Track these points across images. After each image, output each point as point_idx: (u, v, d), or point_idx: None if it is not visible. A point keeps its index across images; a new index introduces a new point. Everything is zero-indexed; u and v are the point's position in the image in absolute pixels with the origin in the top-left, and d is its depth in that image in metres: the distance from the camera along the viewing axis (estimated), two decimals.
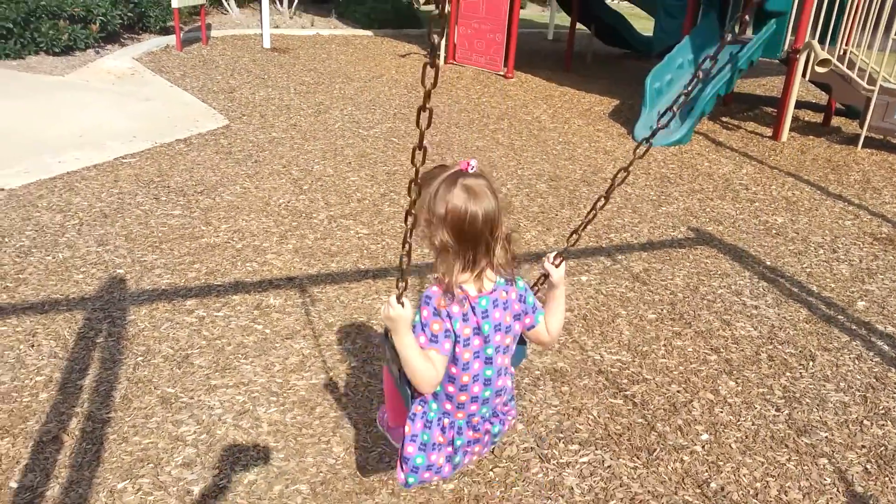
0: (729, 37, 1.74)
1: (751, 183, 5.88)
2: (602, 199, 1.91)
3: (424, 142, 1.46)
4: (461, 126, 6.99)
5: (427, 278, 3.59)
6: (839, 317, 3.70)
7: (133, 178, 4.92)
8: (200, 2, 9.55)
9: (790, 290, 3.97)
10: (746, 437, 2.70)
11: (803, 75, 6.94)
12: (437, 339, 1.69)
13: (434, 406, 1.85)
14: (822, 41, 7.02)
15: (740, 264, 4.27)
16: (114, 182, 4.82)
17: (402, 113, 7.24)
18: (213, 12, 11.54)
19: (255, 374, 2.86)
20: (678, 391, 2.96)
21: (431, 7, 10.13)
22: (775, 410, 2.87)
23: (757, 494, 2.41)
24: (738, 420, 2.80)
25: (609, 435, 2.66)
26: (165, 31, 9.65)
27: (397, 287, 1.65)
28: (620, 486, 2.41)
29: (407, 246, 1.60)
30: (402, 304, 1.65)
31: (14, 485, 2.24)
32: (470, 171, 1.68)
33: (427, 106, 1.39)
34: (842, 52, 7.23)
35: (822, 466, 2.57)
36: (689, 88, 1.80)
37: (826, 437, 2.73)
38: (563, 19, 13.92)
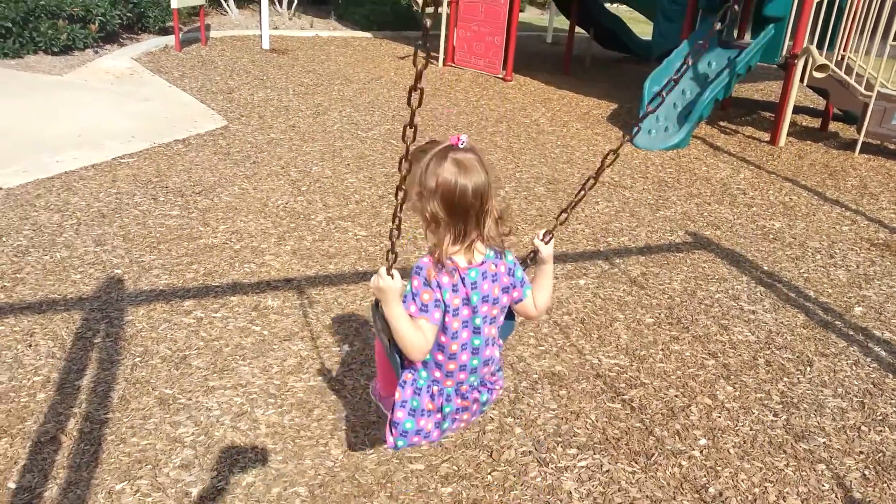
0: (718, 25, 1.86)
1: (748, 187, 5.90)
2: (591, 179, 2.00)
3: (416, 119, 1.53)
4: (459, 128, 6.99)
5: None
6: (836, 322, 3.71)
7: (131, 178, 4.91)
8: (200, 2, 9.54)
9: (787, 295, 3.97)
10: (744, 442, 2.70)
11: (801, 80, 6.97)
12: (427, 309, 1.75)
13: (423, 374, 1.91)
14: (820, 46, 7.04)
15: (738, 269, 4.28)
16: (112, 182, 4.81)
17: (401, 115, 7.24)
18: (213, 13, 11.54)
19: (252, 376, 2.86)
20: (676, 396, 2.96)
21: (431, 10, 10.13)
22: (773, 416, 2.88)
23: (755, 500, 2.42)
24: (736, 425, 2.80)
25: (607, 439, 2.66)
26: (164, 32, 9.63)
27: (387, 259, 1.72)
28: (619, 490, 2.41)
29: (397, 220, 1.67)
30: (392, 276, 1.71)
31: (12, 485, 2.23)
32: (461, 145, 1.73)
33: (419, 86, 1.46)
34: (840, 58, 7.25)
35: (820, 472, 2.57)
36: (680, 74, 1.88)
37: (824, 442, 2.74)
38: (562, 23, 13.94)
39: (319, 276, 3.76)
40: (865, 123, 6.90)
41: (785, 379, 3.15)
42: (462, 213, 1.72)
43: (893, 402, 3.04)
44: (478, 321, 1.84)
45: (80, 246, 3.86)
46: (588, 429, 2.71)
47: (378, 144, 6.19)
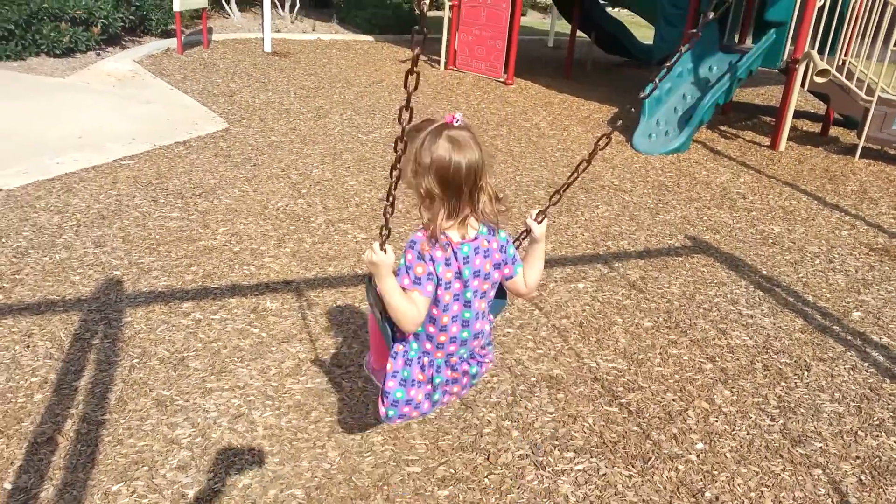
0: (711, 15, 1.92)
1: (748, 192, 5.90)
2: (585, 162, 2.04)
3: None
4: None
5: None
6: (834, 327, 3.71)
7: (131, 180, 4.93)
8: (202, 5, 9.57)
9: (786, 300, 3.97)
10: (741, 446, 2.70)
11: (802, 85, 6.97)
12: (420, 282, 1.80)
13: (415, 346, 1.96)
14: (821, 51, 7.05)
15: (737, 273, 4.28)
16: (112, 184, 4.82)
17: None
18: (215, 16, 11.57)
19: (250, 378, 2.86)
20: (673, 400, 2.96)
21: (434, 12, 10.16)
22: (770, 420, 2.88)
23: None
24: (733, 429, 2.80)
25: (604, 443, 2.66)
26: (167, 34, 9.66)
27: (380, 235, 1.76)
28: (615, 494, 2.41)
29: (391, 197, 1.71)
30: (385, 251, 1.76)
31: (8, 486, 2.24)
32: (455, 123, 1.78)
33: (415, 70, 1.51)
34: (841, 63, 7.26)
35: (816, 477, 2.57)
36: (672, 63, 1.96)
37: (821, 447, 2.74)
38: (564, 27, 13.97)
39: (318, 278, 3.76)
40: (866, 128, 6.90)
41: (782, 383, 3.15)
42: (456, 189, 1.77)
43: (890, 407, 3.03)
44: (469, 295, 1.89)
45: (80, 247, 3.87)
46: (585, 432, 2.71)
47: (378, 147, 6.20)
